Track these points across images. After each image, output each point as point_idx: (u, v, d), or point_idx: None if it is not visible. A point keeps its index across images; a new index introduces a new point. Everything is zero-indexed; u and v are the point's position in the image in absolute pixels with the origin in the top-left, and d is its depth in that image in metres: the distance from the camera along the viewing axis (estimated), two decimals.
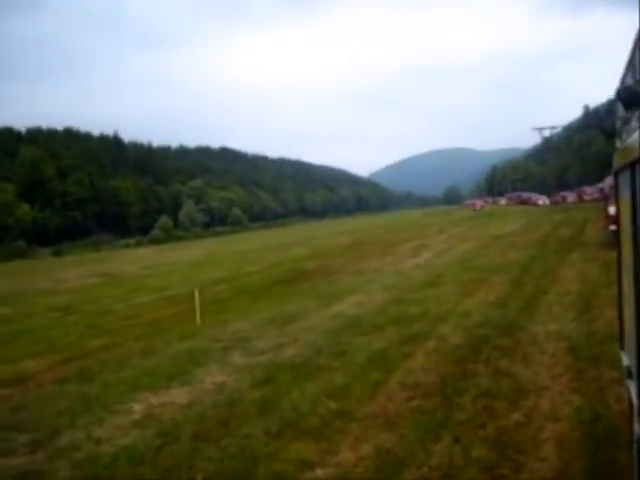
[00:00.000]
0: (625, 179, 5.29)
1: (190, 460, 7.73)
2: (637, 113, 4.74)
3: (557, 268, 22.24)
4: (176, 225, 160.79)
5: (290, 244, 59.08)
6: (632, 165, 4.62)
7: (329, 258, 37.71)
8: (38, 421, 10.01)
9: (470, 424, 7.98)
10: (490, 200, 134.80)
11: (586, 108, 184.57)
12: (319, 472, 7.07)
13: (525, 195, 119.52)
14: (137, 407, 10.34)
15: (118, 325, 20.63)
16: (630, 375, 5.35)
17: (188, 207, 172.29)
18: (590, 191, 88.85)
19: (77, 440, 8.92)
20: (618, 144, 6.42)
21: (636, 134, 4.41)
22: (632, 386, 5.17)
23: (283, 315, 18.10)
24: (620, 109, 6.09)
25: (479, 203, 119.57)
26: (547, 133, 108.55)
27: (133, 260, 63.01)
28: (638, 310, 4.54)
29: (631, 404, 5.31)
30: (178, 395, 10.86)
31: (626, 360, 5.84)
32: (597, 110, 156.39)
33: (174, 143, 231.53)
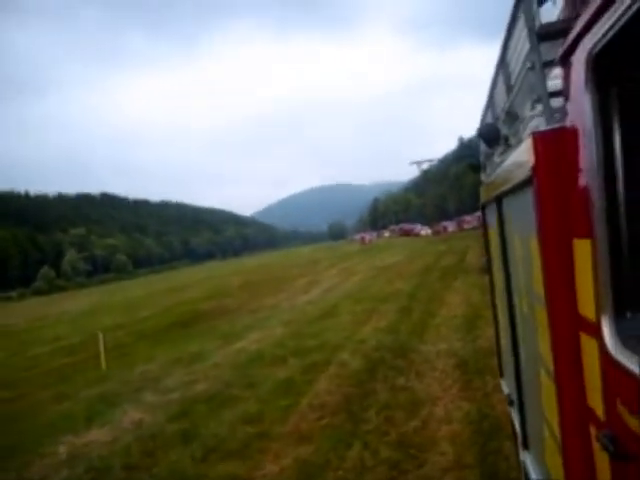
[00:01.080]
0: (492, 212, 5.60)
1: None
2: (498, 149, 5.06)
3: (442, 294, 23.71)
4: (59, 275, 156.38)
5: (181, 287, 58.96)
6: (498, 199, 4.89)
7: (223, 298, 38.01)
8: None
9: (375, 432, 9.05)
10: (375, 233, 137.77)
11: (460, 140, 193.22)
12: None
13: (407, 226, 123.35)
14: (62, 449, 10.83)
15: (19, 376, 20.39)
16: (511, 403, 5.67)
17: (71, 256, 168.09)
18: (469, 219, 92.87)
19: None
20: (483, 178, 6.79)
21: (499, 170, 4.72)
22: (514, 414, 5.47)
23: (187, 355, 18.61)
24: (483, 145, 6.41)
25: (367, 237, 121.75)
26: (425, 166, 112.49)
27: (18, 313, 62.05)
28: (513, 339, 4.77)
29: (514, 432, 5.62)
30: (99, 434, 11.41)
31: (506, 388, 6.24)
32: (470, 141, 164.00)
33: (51, 191, 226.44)
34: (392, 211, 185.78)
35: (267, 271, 64.33)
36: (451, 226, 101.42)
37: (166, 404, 12.86)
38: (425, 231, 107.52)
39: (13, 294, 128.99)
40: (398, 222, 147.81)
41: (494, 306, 6.68)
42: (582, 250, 2.56)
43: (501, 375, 6.78)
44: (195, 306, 36.11)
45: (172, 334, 25.22)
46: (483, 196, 6.49)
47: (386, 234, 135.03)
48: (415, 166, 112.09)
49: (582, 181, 2.47)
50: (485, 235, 6.75)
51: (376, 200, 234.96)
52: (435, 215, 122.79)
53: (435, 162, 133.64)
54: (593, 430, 2.60)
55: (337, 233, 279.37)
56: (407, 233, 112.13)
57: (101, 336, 20.02)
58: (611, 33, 1.97)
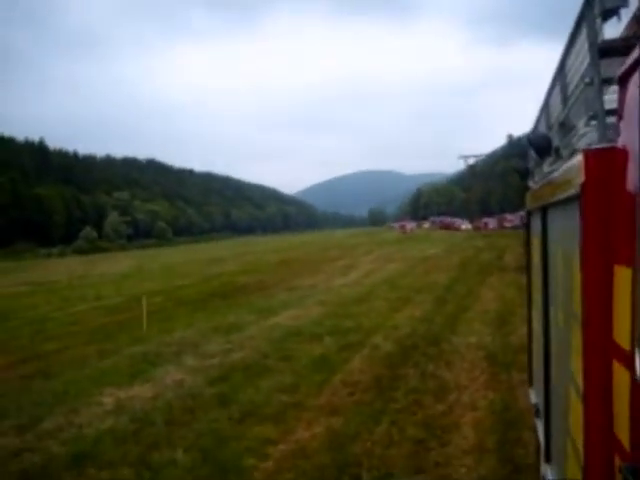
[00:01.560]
0: (537, 220, 5.56)
1: (168, 439, 9.10)
2: (548, 159, 5.02)
3: (477, 289, 24.20)
4: (100, 236, 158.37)
5: (220, 259, 59.60)
6: (544, 209, 4.86)
7: (261, 274, 38.55)
8: (17, 410, 11.16)
9: (403, 412, 9.63)
10: (415, 223, 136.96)
11: (510, 137, 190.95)
12: (281, 447, 8.58)
13: (448, 220, 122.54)
14: (107, 400, 11.56)
15: (64, 331, 21.21)
16: (537, 413, 5.63)
17: (113, 218, 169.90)
18: (510, 218, 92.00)
19: (60, 425, 10.14)
20: (531, 184, 6.74)
21: (547, 180, 4.67)
22: (539, 425, 5.42)
23: (225, 325, 19.33)
24: (532, 151, 6.23)
25: (409, 226, 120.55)
26: (472, 161, 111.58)
27: (60, 270, 62.00)
28: (546, 350, 4.75)
29: (538, 444, 5.56)
30: (142, 390, 12.13)
31: (534, 398, 6.25)
32: (520, 140, 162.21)
33: (100, 152, 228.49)
34: (434, 202, 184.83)
35: (306, 251, 65.09)
36: (492, 223, 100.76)
37: (205, 368, 13.56)
38: (465, 226, 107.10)
39: (54, 251, 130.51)
40: (439, 214, 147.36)
41: (529, 312, 6.73)
42: (622, 277, 2.51)
43: (530, 384, 6.83)
44: (233, 279, 36.82)
45: (210, 304, 25.83)
46: (529, 203, 6.50)
47: (426, 225, 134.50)
48: (462, 160, 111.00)
49: (628, 205, 2.40)
50: (528, 241, 6.77)
51: (419, 190, 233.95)
52: (477, 210, 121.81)
53: (482, 158, 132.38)
54: (617, 460, 2.55)
55: (377, 219, 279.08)
56: (447, 226, 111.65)
57: (144, 299, 20.69)
58: None
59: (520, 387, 9.82)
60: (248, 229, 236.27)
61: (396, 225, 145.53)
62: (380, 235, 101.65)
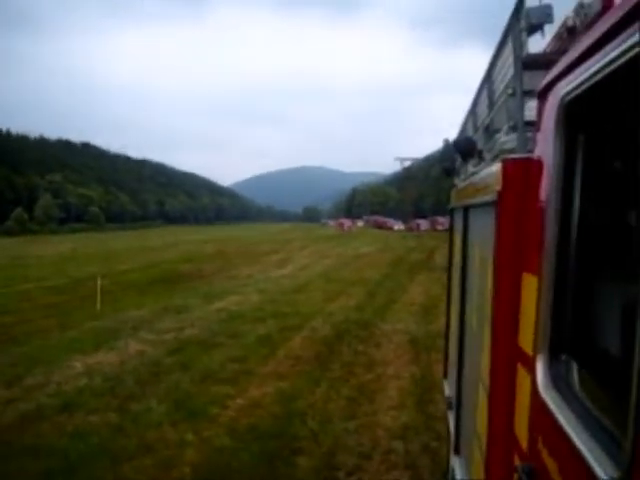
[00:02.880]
0: (459, 218, 5.67)
1: (141, 393, 10.81)
2: (472, 160, 5.24)
3: (406, 284, 26.37)
4: (31, 218, 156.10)
5: (157, 248, 60.61)
6: (465, 208, 4.99)
7: (200, 264, 39.75)
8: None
9: (339, 380, 11.61)
10: (352, 221, 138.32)
11: (446, 142, 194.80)
12: (239, 401, 10.40)
13: (381, 219, 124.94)
14: (77, 364, 13.10)
15: (17, 307, 22.17)
16: (450, 406, 5.72)
17: (45, 201, 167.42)
18: (442, 221, 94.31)
19: (41, 382, 11.70)
20: (456, 181, 7.08)
21: (471, 180, 4.78)
22: (450, 417, 5.61)
23: (174, 306, 20.91)
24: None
25: (347, 224, 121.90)
26: (407, 163, 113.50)
27: None
28: (460, 347, 4.89)
29: (449, 434, 5.78)
30: (108, 357, 13.72)
31: (447, 390, 6.44)
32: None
33: (33, 133, 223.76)
34: (369, 202, 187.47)
35: (241, 243, 66.35)
36: (424, 224, 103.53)
37: (162, 342, 15.20)
38: (398, 226, 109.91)
39: None
40: (373, 213, 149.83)
41: (448, 307, 7.00)
42: (529, 285, 2.61)
43: (445, 376, 7.13)
44: (173, 266, 37.96)
45: (155, 288, 27.18)
46: (453, 200, 6.70)
47: (360, 224, 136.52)
48: (398, 162, 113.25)
49: (538, 217, 2.50)
50: (450, 236, 7.01)
51: (355, 189, 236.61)
52: (411, 212, 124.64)
53: (419, 161, 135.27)
54: (516, 459, 2.67)
55: (311, 216, 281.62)
56: (380, 226, 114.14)
57: (99, 279, 22.06)
58: (587, 84, 1.95)
59: (436, 364, 11.69)
60: (181, 218, 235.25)
61: (332, 222, 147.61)
62: (314, 231, 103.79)
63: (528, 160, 2.77)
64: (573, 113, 2.22)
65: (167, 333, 16.26)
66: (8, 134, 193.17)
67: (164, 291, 25.88)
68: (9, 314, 20.32)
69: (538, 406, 2.30)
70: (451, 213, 6.96)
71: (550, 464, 2.11)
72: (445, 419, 6.56)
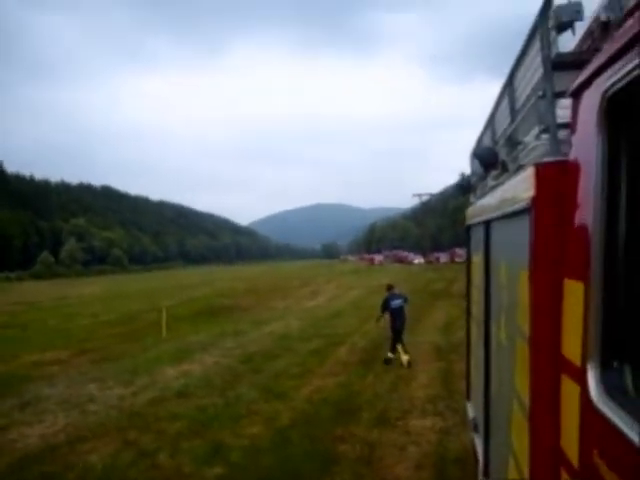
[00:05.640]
0: (478, 235, 5.62)
1: (231, 386, 14.21)
2: (492, 173, 5.08)
3: (428, 309, 29.78)
4: (57, 261, 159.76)
5: (189, 286, 63.17)
6: (486, 223, 4.93)
7: (236, 298, 42.35)
8: (108, 377, 16.07)
9: (381, 373, 15.09)
10: (382, 256, 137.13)
11: (462, 175, 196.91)
12: (308, 388, 13.83)
13: (402, 254, 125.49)
14: (170, 371, 16.50)
15: (90, 337, 25.29)
16: (476, 428, 5.73)
17: (71, 245, 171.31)
18: (460, 253, 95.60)
19: (149, 383, 15.12)
20: (472, 199, 7.00)
21: (492, 194, 4.77)
22: (478, 440, 5.54)
23: (229, 331, 24.31)
24: (475, 166, 6.40)
25: (377, 258, 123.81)
26: (425, 198, 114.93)
27: (33, 292, 64.08)
28: (486, 367, 4.87)
29: (476, 459, 5.70)
30: (192, 367, 17.13)
31: (471, 412, 6.46)
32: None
33: (54, 178, 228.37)
34: (388, 237, 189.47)
35: (268, 280, 68.75)
36: (443, 257, 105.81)
37: (231, 355, 18.61)
38: (418, 260, 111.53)
39: (12, 275, 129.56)
40: (393, 248, 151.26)
41: (468, 328, 7.11)
42: (573, 292, 2.52)
43: (468, 398, 7.19)
44: (212, 301, 40.65)
45: (203, 319, 30.24)
46: (469, 217, 6.62)
47: (379, 258, 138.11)
48: (416, 197, 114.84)
49: (580, 220, 2.43)
50: (467, 257, 7.11)
51: (374, 225, 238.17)
52: (430, 245, 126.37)
53: (436, 196, 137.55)
54: (564, 474, 2.59)
55: (330, 252, 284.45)
56: (401, 260, 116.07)
57: (164, 308, 25.43)
58: (630, 76, 1.88)
59: (455, 363, 15.06)
60: (202, 258, 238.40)
61: (352, 257, 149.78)
62: (336, 267, 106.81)
63: (564, 163, 2.75)
64: (615, 110, 2.17)
65: (232, 350, 19.66)
66: (31, 179, 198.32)
67: (212, 321, 29.05)
68: (89, 342, 23.65)
69: (591, 417, 2.24)
70: (467, 231, 7.00)
71: (609, 477, 2.04)
72: (470, 442, 6.71)
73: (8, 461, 9.72)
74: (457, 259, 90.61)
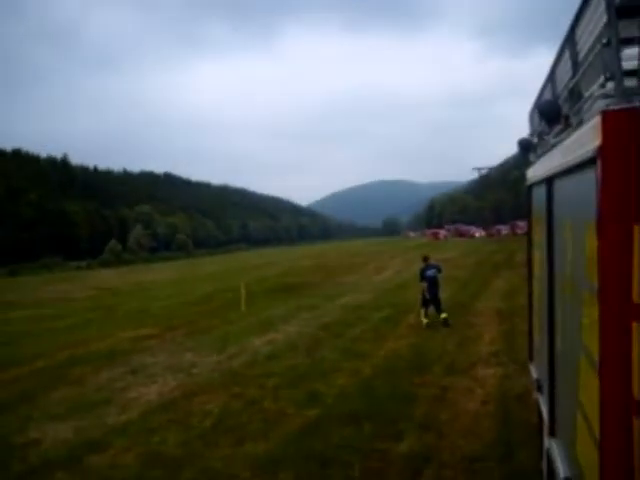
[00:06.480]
0: (540, 194, 5.60)
1: (315, 349, 16.00)
2: (555, 129, 5.04)
3: (491, 279, 31.27)
4: (124, 249, 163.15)
5: (257, 266, 64.54)
6: (549, 180, 4.91)
7: (304, 276, 43.66)
8: (200, 346, 17.94)
9: (449, 334, 16.72)
10: (447, 231, 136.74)
11: (521, 141, 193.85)
12: (383, 350, 15.48)
13: (463, 227, 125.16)
14: (256, 341, 18.22)
15: (174, 314, 26.84)
16: (540, 389, 5.73)
17: (137, 232, 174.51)
18: (522, 225, 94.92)
19: (239, 351, 16.87)
20: (532, 158, 6.84)
21: (554, 150, 4.73)
22: (542, 400, 5.57)
23: (305, 305, 25.90)
24: (535, 123, 6.38)
25: (442, 233, 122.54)
26: (484, 171, 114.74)
27: (106, 279, 65.48)
28: (550, 325, 4.93)
29: (541, 417, 5.78)
30: (276, 336, 18.84)
31: (535, 373, 6.44)
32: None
33: (117, 167, 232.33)
34: (448, 211, 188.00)
35: (332, 258, 69.80)
36: (505, 230, 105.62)
37: (310, 325, 20.32)
38: (479, 233, 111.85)
39: (82, 264, 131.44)
40: (453, 222, 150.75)
41: (531, 290, 7.15)
42: None
43: (530, 359, 7.20)
44: (282, 279, 42.10)
45: (277, 295, 31.58)
46: (530, 177, 6.53)
47: (442, 233, 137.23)
48: (474, 170, 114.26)
49: None
50: (529, 218, 7.01)
51: (433, 200, 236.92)
52: (491, 218, 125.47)
53: (495, 168, 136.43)
54: (637, 423, 2.62)
55: (392, 229, 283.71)
56: (462, 234, 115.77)
57: (243, 288, 27.16)
58: None
59: (517, 325, 16.43)
60: (264, 240, 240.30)
61: (413, 234, 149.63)
62: (399, 243, 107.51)
63: (631, 110, 2.68)
64: None
65: (310, 320, 21.38)
66: (95, 170, 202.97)
67: (286, 297, 30.35)
68: (175, 319, 25.13)
69: None
70: (529, 192, 6.92)
71: None
72: (535, 403, 6.70)
73: (137, 412, 11.58)
74: (518, 231, 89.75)
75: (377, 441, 9.08)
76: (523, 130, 7.53)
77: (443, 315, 18.38)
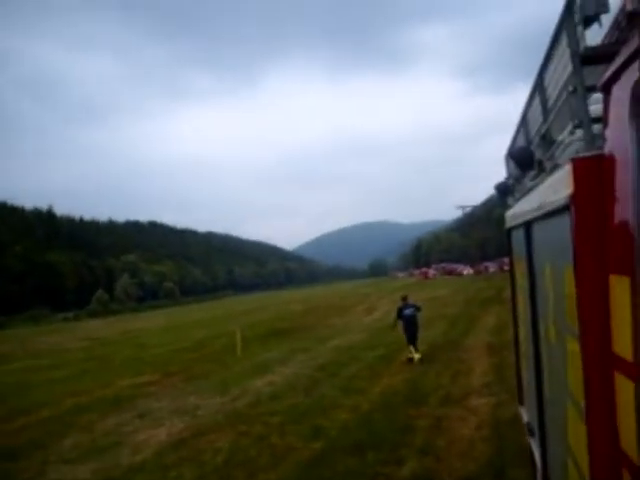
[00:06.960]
0: (519, 237, 5.62)
1: (313, 388, 16.63)
2: (530, 174, 5.08)
3: (480, 314, 32.22)
4: (112, 299, 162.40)
5: (248, 311, 64.91)
6: (527, 225, 4.96)
7: (296, 320, 44.04)
8: (203, 390, 18.51)
9: (443, 369, 17.42)
10: (437, 271, 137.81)
11: (497, 186, 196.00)
12: (379, 386, 16.16)
13: (450, 266, 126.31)
14: (257, 382, 18.82)
15: (169, 362, 27.13)
16: (531, 433, 5.74)
17: (124, 281, 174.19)
18: (508, 261, 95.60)
19: (241, 392, 17.47)
20: (510, 201, 6.93)
21: (530, 194, 4.75)
22: (534, 445, 5.58)
23: (298, 348, 26.44)
24: (512, 168, 6.30)
25: (431, 272, 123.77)
26: (468, 210, 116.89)
27: (95, 329, 65.05)
28: (537, 369, 4.95)
29: (534, 464, 5.76)
30: (274, 377, 19.43)
31: (526, 416, 6.46)
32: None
33: (102, 217, 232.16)
34: (435, 250, 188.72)
35: (322, 301, 69.95)
36: (492, 267, 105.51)
37: (306, 366, 20.92)
38: (467, 271, 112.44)
39: (70, 315, 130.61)
40: (441, 261, 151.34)
41: (516, 332, 7.24)
42: (619, 287, 2.49)
43: (520, 403, 7.18)
44: (273, 324, 42.23)
45: (270, 340, 32.02)
46: (509, 220, 6.54)
47: (431, 272, 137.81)
48: (458, 208, 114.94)
49: (621, 213, 2.40)
50: (510, 261, 7.14)
51: (420, 239, 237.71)
52: (477, 256, 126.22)
53: (478, 207, 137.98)
54: (626, 475, 2.54)
55: (379, 270, 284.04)
56: (450, 272, 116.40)
57: (238, 332, 27.74)
58: None
59: (506, 357, 17.01)
60: (251, 286, 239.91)
61: (401, 274, 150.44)
62: (386, 284, 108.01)
63: (600, 157, 2.70)
64: None
65: (305, 362, 21.97)
66: (81, 220, 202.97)
67: (279, 341, 30.93)
68: (171, 365, 25.54)
69: None
70: (508, 235, 6.94)
71: None
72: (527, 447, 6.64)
73: (151, 452, 12.19)
74: (506, 267, 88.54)
75: (381, 466, 9.76)
76: (501, 171, 7.86)
77: (417, 355, 19.20)
